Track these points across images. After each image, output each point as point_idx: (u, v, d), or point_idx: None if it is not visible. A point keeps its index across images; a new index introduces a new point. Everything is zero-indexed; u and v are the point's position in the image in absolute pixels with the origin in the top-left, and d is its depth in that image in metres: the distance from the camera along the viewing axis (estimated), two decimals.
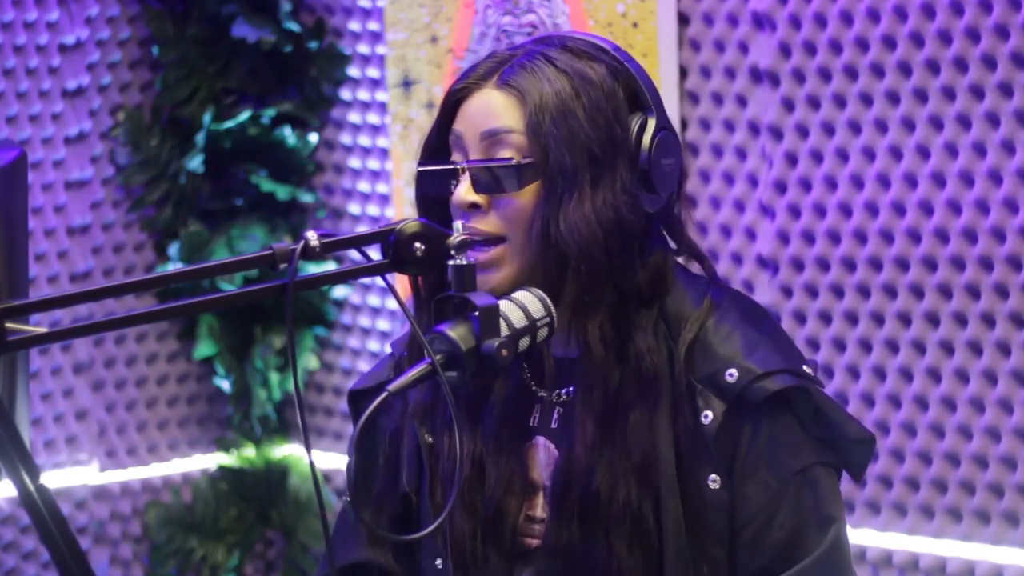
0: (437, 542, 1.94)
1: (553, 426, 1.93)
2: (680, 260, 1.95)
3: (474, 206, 1.86)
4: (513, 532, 1.92)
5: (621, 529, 1.85)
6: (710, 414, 1.84)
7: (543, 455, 1.93)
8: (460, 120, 1.89)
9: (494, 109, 1.87)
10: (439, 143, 1.92)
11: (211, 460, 4.32)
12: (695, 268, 1.97)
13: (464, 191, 1.86)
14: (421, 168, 1.92)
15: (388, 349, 2.09)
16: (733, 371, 1.84)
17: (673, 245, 1.94)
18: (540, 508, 1.93)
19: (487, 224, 1.86)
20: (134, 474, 4.21)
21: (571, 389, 1.92)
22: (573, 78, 1.85)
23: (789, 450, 1.86)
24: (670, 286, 1.89)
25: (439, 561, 1.95)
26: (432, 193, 1.91)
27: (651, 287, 1.88)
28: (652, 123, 1.87)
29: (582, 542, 1.87)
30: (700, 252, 1.96)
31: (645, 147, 1.86)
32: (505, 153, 1.85)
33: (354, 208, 4.13)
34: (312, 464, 1.61)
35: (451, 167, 1.88)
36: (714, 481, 1.85)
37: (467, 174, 1.87)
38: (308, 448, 1.69)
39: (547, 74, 1.86)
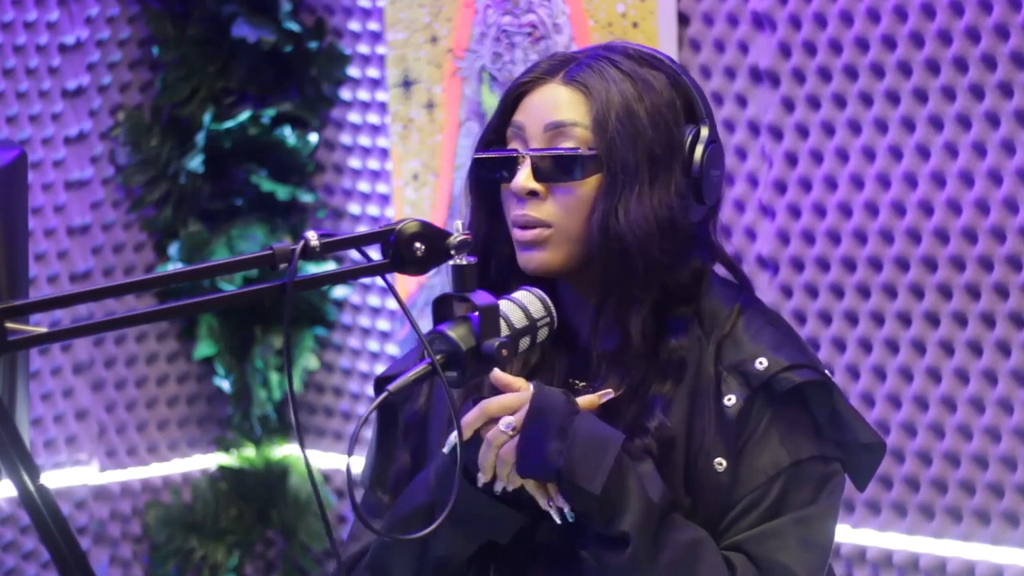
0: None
1: None
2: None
3: (532, 193, 1.91)
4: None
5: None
6: (733, 398, 1.89)
7: None
8: (522, 112, 1.95)
9: (560, 102, 1.92)
10: (497, 135, 1.97)
11: (211, 460, 4.32)
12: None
13: (524, 178, 1.91)
14: (479, 155, 1.97)
15: (390, 348, 2.10)
16: (763, 360, 1.90)
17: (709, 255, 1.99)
18: None
19: (542, 212, 1.91)
20: (134, 474, 4.21)
21: (604, 381, 1.95)
22: (636, 82, 1.92)
23: (790, 442, 1.90)
24: (706, 288, 1.95)
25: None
26: (488, 179, 1.96)
27: (691, 288, 1.93)
28: (705, 133, 1.93)
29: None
30: (737, 266, 2.02)
31: (698, 156, 1.92)
32: (568, 144, 1.91)
33: (354, 208, 4.13)
34: (307, 459, 1.61)
35: (511, 154, 1.93)
36: (720, 464, 1.89)
37: (527, 163, 1.91)
38: (302, 443, 1.69)
39: (612, 75, 1.92)
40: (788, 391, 1.88)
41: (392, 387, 1.70)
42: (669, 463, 1.88)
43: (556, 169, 1.90)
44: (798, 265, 3.20)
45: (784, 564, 1.87)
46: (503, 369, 1.85)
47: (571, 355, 1.97)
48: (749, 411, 1.89)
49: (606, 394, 1.89)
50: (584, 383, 1.96)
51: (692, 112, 1.94)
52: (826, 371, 1.93)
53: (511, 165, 1.92)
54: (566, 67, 1.94)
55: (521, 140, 1.94)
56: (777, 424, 1.89)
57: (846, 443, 1.92)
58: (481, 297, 1.72)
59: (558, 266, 1.91)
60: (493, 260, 1.96)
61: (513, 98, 1.96)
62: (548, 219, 1.90)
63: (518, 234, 1.92)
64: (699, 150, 1.92)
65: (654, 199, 1.88)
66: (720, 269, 2.01)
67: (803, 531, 1.89)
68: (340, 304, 4.20)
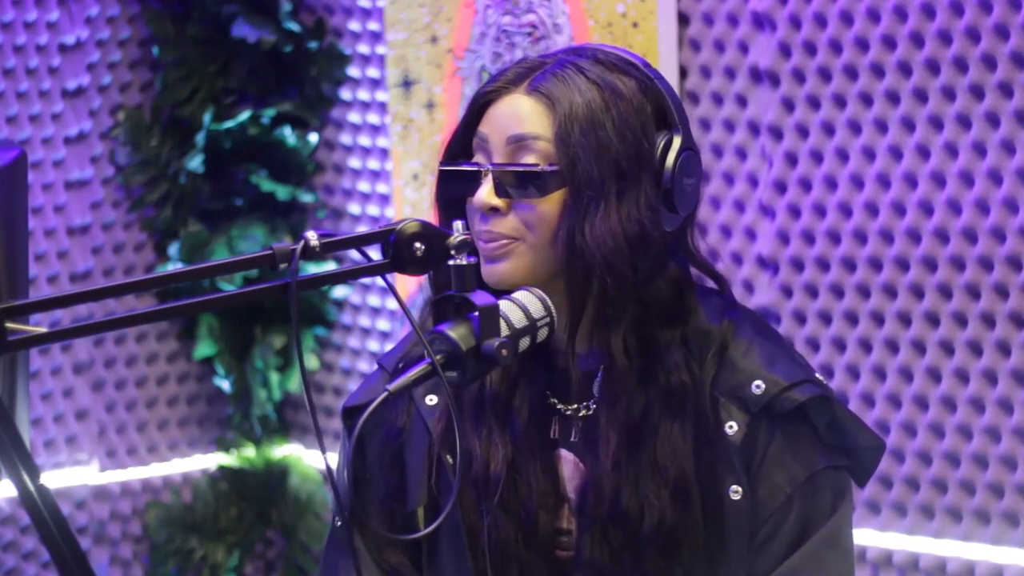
0: (468, 562, 1.93)
1: (573, 439, 1.94)
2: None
3: (494, 209, 1.86)
4: (545, 540, 1.92)
5: (656, 546, 1.86)
6: (735, 425, 1.86)
7: (567, 468, 1.94)
8: (486, 123, 1.89)
9: (522, 114, 1.86)
10: (463, 145, 1.92)
11: (211, 460, 4.32)
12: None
13: (485, 193, 1.86)
14: (443, 168, 1.92)
15: (390, 348, 2.09)
16: (760, 383, 1.87)
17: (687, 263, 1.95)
18: (566, 519, 1.94)
19: (505, 227, 1.86)
20: (134, 474, 4.22)
21: (591, 403, 1.93)
22: (604, 90, 1.85)
23: (802, 457, 1.88)
24: (692, 307, 1.90)
25: None
26: (452, 192, 1.91)
27: (674, 303, 1.88)
28: (677, 142, 1.87)
29: (613, 559, 1.87)
30: (715, 271, 1.96)
31: (669, 165, 1.86)
32: (530, 159, 1.85)
33: (354, 208, 4.13)
34: (319, 434, 1.61)
35: (474, 168, 1.87)
36: (735, 492, 1.87)
37: (489, 176, 1.86)
38: (319, 437, 1.68)
39: (578, 84, 1.85)
40: (790, 409, 1.87)
41: (392, 387, 1.69)
42: (688, 499, 1.86)
43: (518, 185, 1.84)
44: (798, 265, 3.20)
45: None
46: (505, 369, 1.83)
47: (549, 371, 1.94)
48: (755, 436, 1.87)
49: None
50: (564, 404, 1.94)
51: (664, 119, 1.88)
52: (818, 375, 1.90)
53: (475, 178, 1.87)
54: (531, 75, 1.88)
55: (485, 152, 1.88)
56: (786, 442, 1.87)
57: (848, 448, 1.91)
58: (481, 297, 1.71)
59: (520, 278, 1.85)
60: None
61: (478, 107, 1.90)
62: (513, 235, 1.85)
63: (481, 247, 1.87)
64: (670, 158, 1.86)
65: (622, 214, 1.82)
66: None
67: (833, 552, 1.88)
68: (340, 304, 4.20)
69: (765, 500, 1.87)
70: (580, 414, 1.93)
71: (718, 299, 1.94)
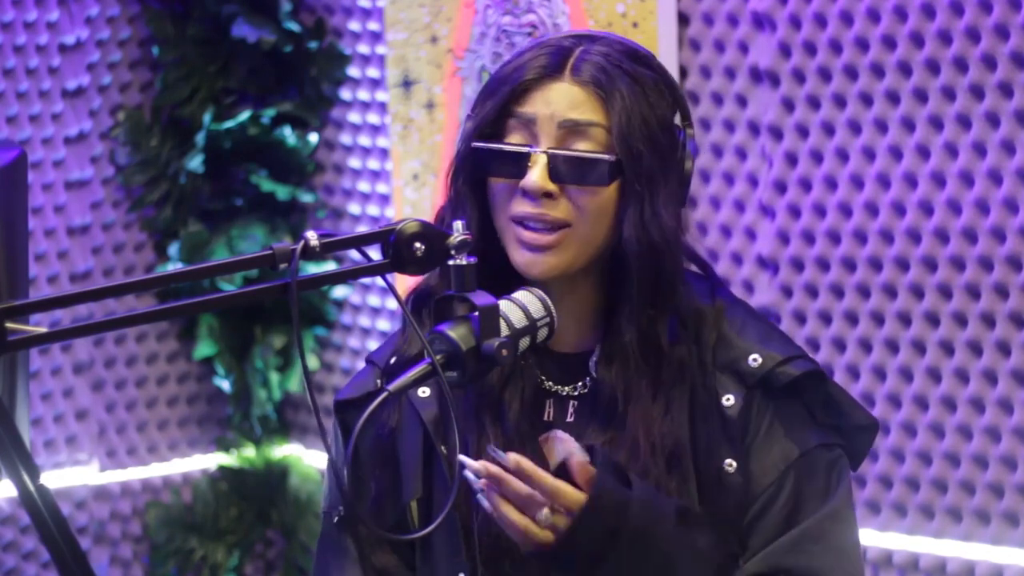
0: (463, 555, 1.93)
1: (569, 419, 1.94)
2: None
3: (547, 194, 1.85)
4: None
5: None
6: (732, 398, 1.88)
7: (560, 448, 1.94)
8: (531, 104, 1.87)
9: (575, 101, 1.86)
10: (495, 128, 1.90)
11: (211, 460, 4.32)
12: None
13: (540, 177, 1.85)
14: (487, 146, 1.89)
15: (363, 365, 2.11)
16: (756, 356, 1.89)
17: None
18: None
19: (558, 211, 1.86)
20: (134, 474, 4.22)
21: (587, 381, 1.94)
22: (644, 85, 1.88)
23: (795, 433, 1.90)
24: (686, 286, 1.93)
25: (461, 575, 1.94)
26: (490, 173, 1.89)
27: (676, 281, 1.91)
28: (691, 134, 1.92)
29: None
30: (699, 255, 1.99)
31: (688, 157, 1.91)
32: (585, 145, 1.85)
33: (354, 208, 4.13)
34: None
35: (528, 150, 1.86)
36: (730, 465, 1.88)
37: (542, 160, 1.86)
38: (321, 428, 1.68)
39: (621, 76, 1.87)
40: (785, 384, 1.88)
41: (393, 387, 1.69)
42: (681, 472, 1.87)
43: (576, 171, 1.85)
44: (798, 265, 3.20)
45: (830, 568, 1.88)
46: (502, 367, 1.83)
47: (543, 358, 1.95)
48: (750, 409, 1.88)
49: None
50: (559, 385, 1.95)
51: (680, 112, 1.92)
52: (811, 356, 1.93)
53: (520, 160, 1.86)
54: (566, 63, 1.87)
55: (529, 133, 1.87)
56: (780, 418, 1.89)
57: (843, 428, 1.92)
58: (481, 297, 1.71)
59: (562, 271, 1.87)
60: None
61: (518, 91, 1.88)
62: (566, 219, 1.85)
63: (528, 236, 1.86)
64: (688, 151, 1.90)
65: (673, 203, 1.87)
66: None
67: (837, 525, 1.89)
68: (340, 304, 4.20)
69: (758, 477, 1.88)
70: (576, 393, 1.94)
71: (704, 282, 1.97)
